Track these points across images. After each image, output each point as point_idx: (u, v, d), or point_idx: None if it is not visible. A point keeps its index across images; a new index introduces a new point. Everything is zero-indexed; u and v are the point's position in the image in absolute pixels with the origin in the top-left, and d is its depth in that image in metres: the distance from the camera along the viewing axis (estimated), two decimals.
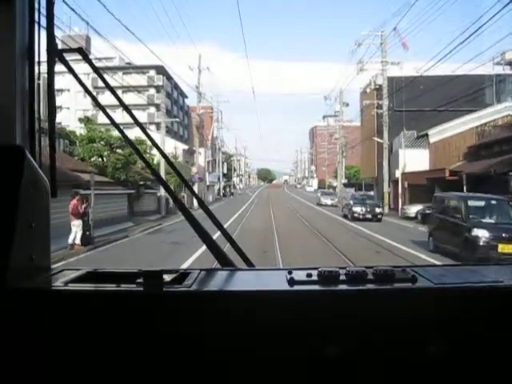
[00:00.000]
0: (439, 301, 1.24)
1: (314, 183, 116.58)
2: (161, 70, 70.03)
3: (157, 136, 31.77)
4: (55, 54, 1.45)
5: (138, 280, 1.27)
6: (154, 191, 32.12)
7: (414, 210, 28.70)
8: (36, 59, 1.40)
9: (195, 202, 36.65)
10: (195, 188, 43.57)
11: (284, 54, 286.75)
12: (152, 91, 70.56)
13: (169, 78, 73.75)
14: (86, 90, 1.65)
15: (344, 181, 56.88)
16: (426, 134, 32.88)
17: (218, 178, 65.89)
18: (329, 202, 44.61)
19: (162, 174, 33.36)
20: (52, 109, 1.50)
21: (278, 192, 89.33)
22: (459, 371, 1.21)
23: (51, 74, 1.45)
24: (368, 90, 32.47)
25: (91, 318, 1.20)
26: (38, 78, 1.44)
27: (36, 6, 1.40)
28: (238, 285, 1.41)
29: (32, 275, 1.28)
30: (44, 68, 1.43)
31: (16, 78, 1.31)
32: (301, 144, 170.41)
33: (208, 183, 52.57)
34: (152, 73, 72.10)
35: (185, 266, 11.15)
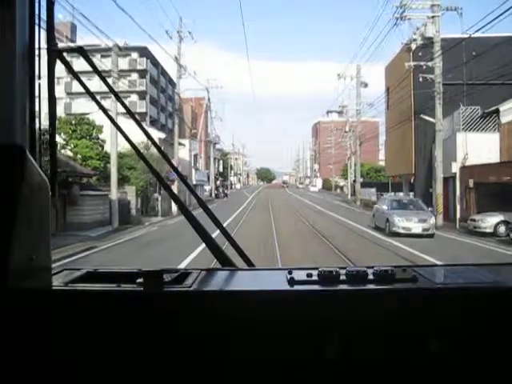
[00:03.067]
0: (439, 301, 1.24)
1: (318, 183, 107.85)
2: (144, 52, 60.57)
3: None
4: (55, 54, 1.46)
5: (138, 280, 1.28)
6: (102, 193, 22.17)
7: (490, 221, 18.83)
8: (36, 59, 1.41)
9: (174, 208, 26.88)
10: (174, 188, 33.95)
11: (284, 53, 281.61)
12: (134, 76, 60.99)
13: (155, 63, 64.18)
14: (86, 89, 1.65)
15: (360, 180, 46.71)
16: (496, 111, 22.93)
17: (208, 177, 55.99)
18: (417, 227, 18.48)
19: (114, 168, 23.76)
20: (52, 109, 1.51)
21: (278, 193, 78.77)
22: (459, 371, 1.21)
23: (51, 73, 1.46)
24: (414, 47, 22.57)
25: (91, 318, 1.20)
26: (39, 78, 1.44)
27: (36, 5, 1.41)
28: (238, 285, 1.41)
29: (32, 275, 1.28)
30: (44, 68, 1.44)
31: (16, 78, 1.31)
32: (302, 143, 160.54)
33: (195, 182, 42.72)
34: (134, 55, 62.25)
35: None
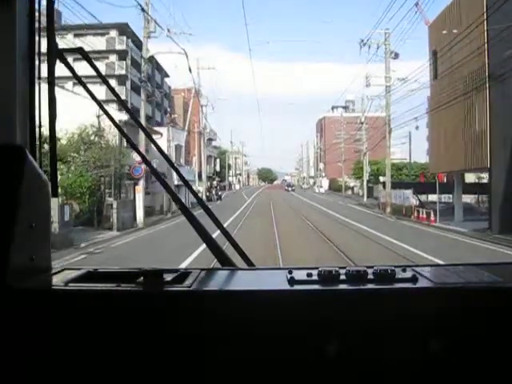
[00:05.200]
0: (439, 301, 1.24)
1: (325, 183, 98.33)
2: (125, 29, 51.13)
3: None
4: (55, 54, 1.46)
5: (138, 279, 1.28)
6: None
7: None
8: (36, 59, 1.41)
9: (140, 218, 19.94)
10: (139, 188, 24.77)
11: (286, 53, 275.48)
12: (112, 58, 51.53)
13: (139, 45, 54.57)
14: (86, 89, 1.66)
15: (385, 179, 37.13)
16: None
17: (200, 175, 46.56)
18: None
19: None
20: (52, 109, 1.51)
21: (282, 195, 69.19)
22: (459, 371, 1.21)
23: (51, 73, 1.46)
24: None
25: (91, 318, 1.20)
26: (39, 78, 1.44)
27: (36, 6, 1.41)
28: (238, 284, 1.41)
29: (32, 275, 1.28)
30: (44, 68, 1.44)
31: (16, 78, 1.32)
32: (305, 142, 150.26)
33: (176, 182, 33.31)
34: (113, 34, 52.76)
35: None
